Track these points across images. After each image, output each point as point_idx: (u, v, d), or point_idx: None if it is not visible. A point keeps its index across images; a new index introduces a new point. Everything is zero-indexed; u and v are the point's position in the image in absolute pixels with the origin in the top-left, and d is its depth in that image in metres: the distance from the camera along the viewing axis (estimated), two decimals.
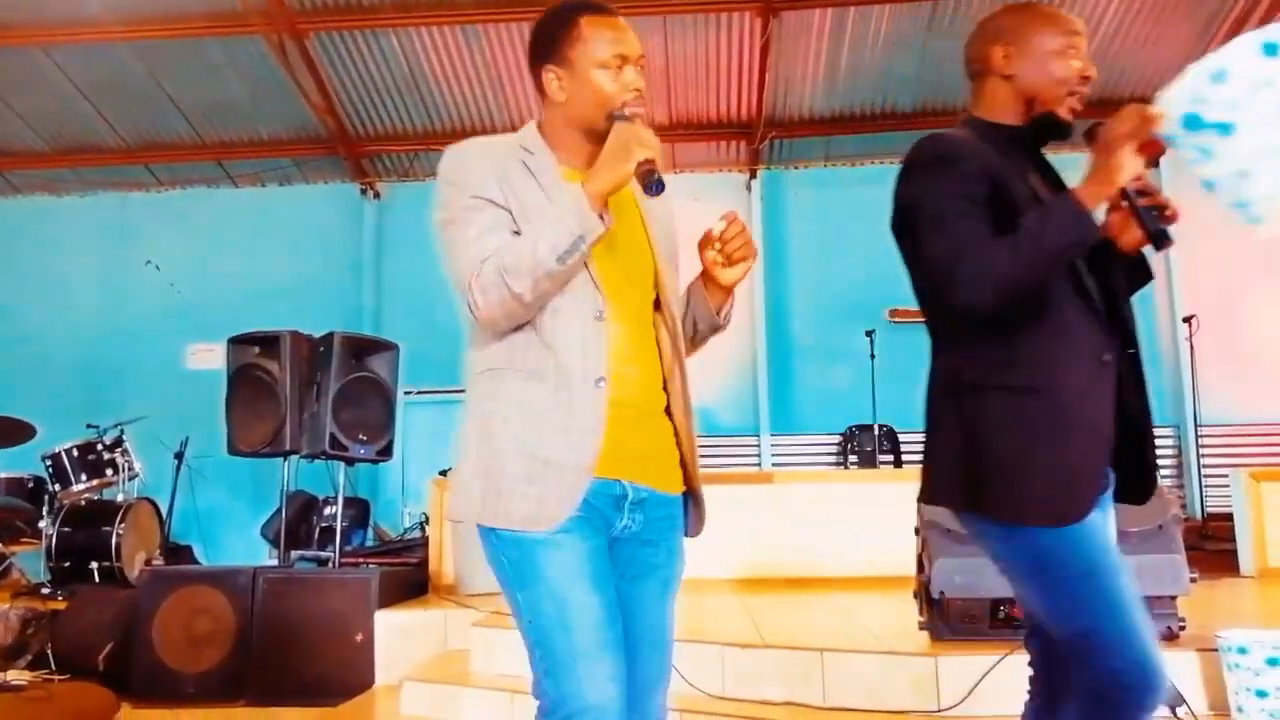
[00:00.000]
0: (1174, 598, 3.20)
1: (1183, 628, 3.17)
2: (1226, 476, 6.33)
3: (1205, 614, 3.35)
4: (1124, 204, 1.75)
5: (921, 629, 3.42)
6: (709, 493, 1.85)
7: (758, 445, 9.08)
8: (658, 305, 1.82)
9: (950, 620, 3.34)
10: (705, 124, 9.20)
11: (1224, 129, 1.62)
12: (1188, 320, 8.51)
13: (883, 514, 4.73)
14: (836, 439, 8.90)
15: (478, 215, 1.71)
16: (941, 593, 3.31)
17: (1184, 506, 8.18)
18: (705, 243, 1.83)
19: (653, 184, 1.67)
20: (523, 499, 1.66)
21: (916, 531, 3.48)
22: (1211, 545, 6.17)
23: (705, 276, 1.88)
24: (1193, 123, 1.64)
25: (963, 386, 1.83)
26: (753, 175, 9.49)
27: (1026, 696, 1.96)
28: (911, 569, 3.55)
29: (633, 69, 1.77)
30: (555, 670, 1.63)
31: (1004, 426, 1.76)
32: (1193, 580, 3.25)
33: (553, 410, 1.68)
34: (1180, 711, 2.80)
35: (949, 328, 1.87)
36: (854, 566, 5.32)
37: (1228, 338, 8.66)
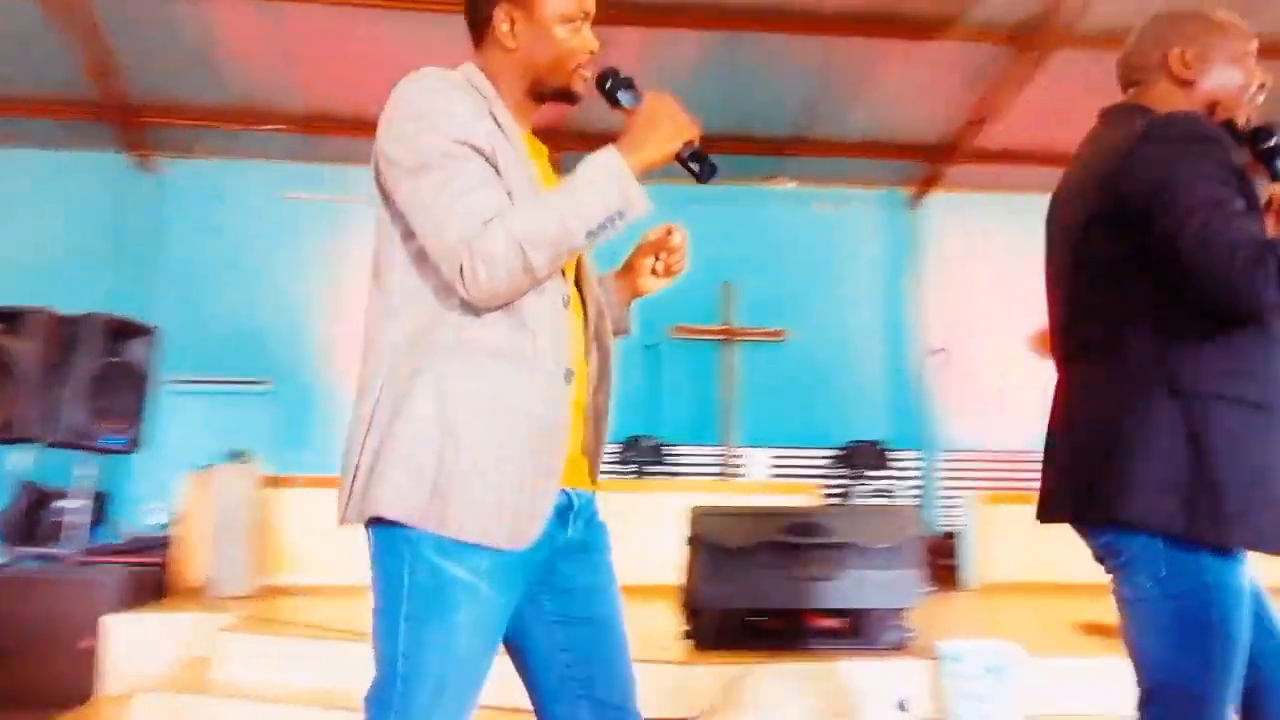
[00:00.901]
0: (905, 609, 3.47)
1: (912, 638, 3.45)
2: (961, 498, 6.93)
3: (932, 625, 3.64)
4: None
5: (685, 638, 3.55)
6: None
7: None
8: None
9: (711, 630, 3.49)
10: None
11: None
12: (937, 352, 9.25)
13: (641, 524, 4.86)
14: (617, 448, 9.09)
15: (466, 165, 1.46)
16: (705, 603, 3.45)
17: (923, 525, 8.84)
18: (648, 247, 1.74)
19: (706, 167, 1.52)
20: (487, 508, 1.44)
21: (690, 542, 3.61)
22: (944, 561, 6.71)
23: (624, 279, 1.78)
24: None
25: (1185, 394, 1.62)
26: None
27: None
28: (669, 578, 3.68)
29: (589, 28, 1.61)
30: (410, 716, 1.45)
31: (1243, 444, 1.60)
32: (925, 594, 3.55)
33: (528, 401, 1.48)
34: (908, 716, 3.05)
35: (1179, 325, 1.64)
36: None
37: (971, 371, 9.44)
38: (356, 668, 1.62)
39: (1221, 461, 1.59)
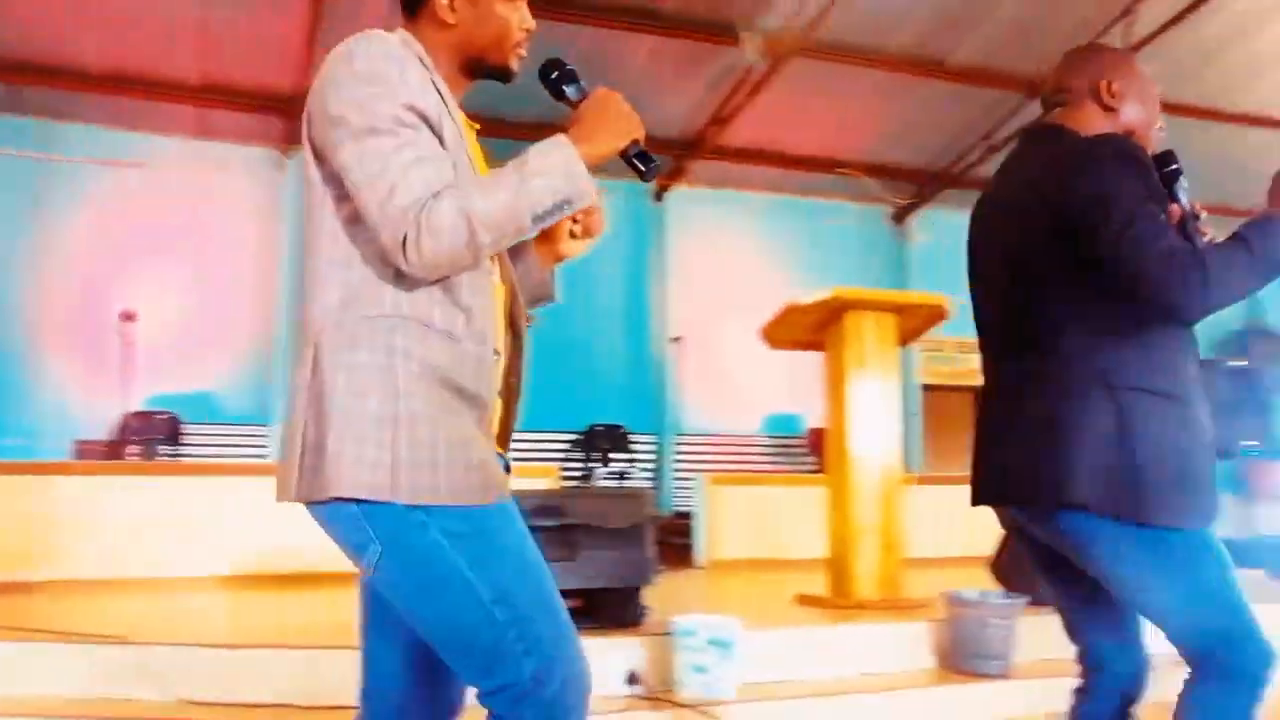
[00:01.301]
0: (640, 588, 3.59)
1: (646, 614, 3.57)
2: (693, 480, 7.25)
3: (666, 602, 3.79)
4: None
5: None
6: (212, 484, 1.73)
7: (266, 435, 8.68)
8: None
9: None
10: (240, 92, 8.62)
11: None
12: (675, 340, 9.61)
13: None
14: None
15: (414, 134, 1.43)
16: None
17: (657, 506, 9.18)
18: None
19: (651, 166, 1.54)
20: (468, 469, 1.43)
21: None
22: (678, 540, 6.99)
23: (544, 245, 1.75)
24: None
25: (1115, 387, 1.79)
26: (286, 154, 9.05)
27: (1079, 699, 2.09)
28: None
29: (525, 7, 1.60)
30: (542, 644, 1.43)
31: (1162, 432, 1.77)
32: (658, 572, 3.68)
33: (460, 378, 1.46)
34: (637, 689, 3.15)
35: (1108, 326, 1.81)
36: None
37: (706, 359, 9.86)
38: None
39: (1145, 448, 1.77)
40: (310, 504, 1.43)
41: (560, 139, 1.48)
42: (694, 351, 9.73)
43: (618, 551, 3.45)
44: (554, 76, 1.58)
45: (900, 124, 9.99)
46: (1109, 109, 1.98)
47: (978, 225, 2.13)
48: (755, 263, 10.31)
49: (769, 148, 9.89)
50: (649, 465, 9.69)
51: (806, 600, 4.25)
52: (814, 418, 8.99)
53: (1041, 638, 3.84)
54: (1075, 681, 2.17)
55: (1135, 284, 1.73)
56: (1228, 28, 9.48)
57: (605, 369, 9.57)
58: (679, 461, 9.62)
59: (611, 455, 9.32)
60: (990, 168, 10.36)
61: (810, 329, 4.34)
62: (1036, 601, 3.82)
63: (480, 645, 1.43)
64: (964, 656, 3.56)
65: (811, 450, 9.80)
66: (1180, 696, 1.86)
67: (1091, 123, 1.96)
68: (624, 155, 1.54)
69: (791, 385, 9.69)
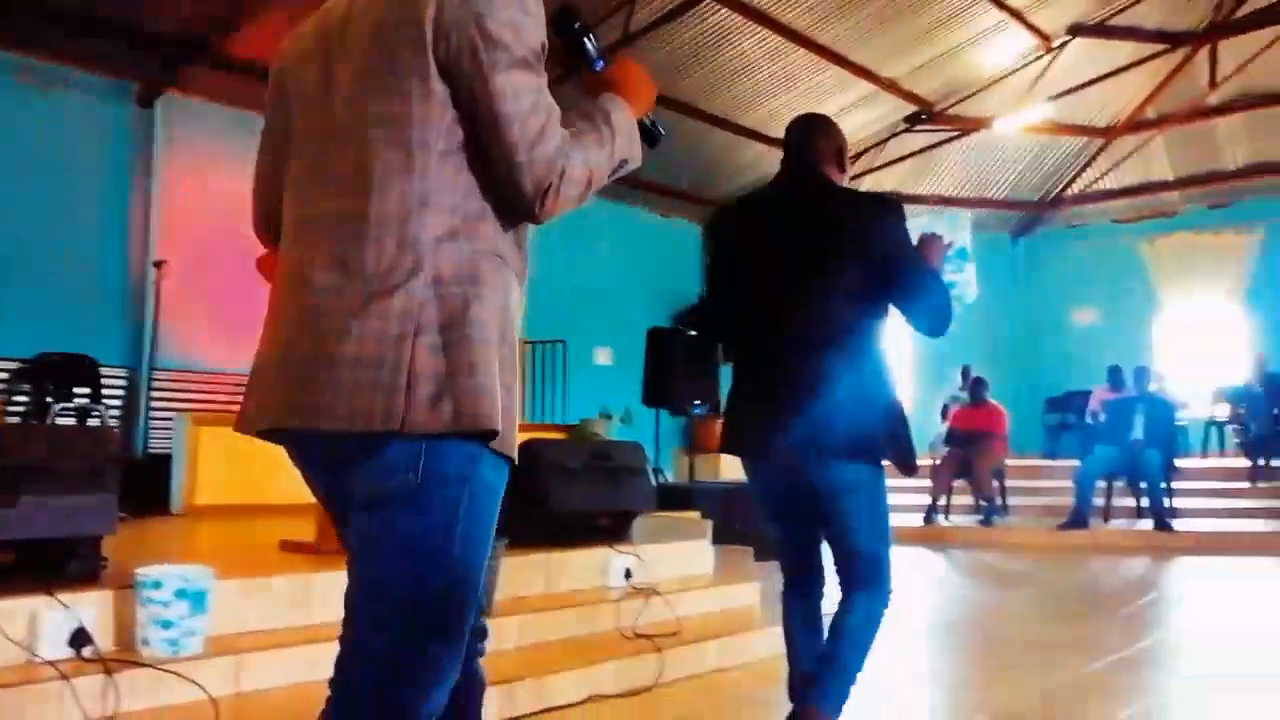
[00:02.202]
0: (100, 538, 3.22)
1: (104, 567, 3.22)
2: (173, 420, 6.65)
3: (132, 552, 3.45)
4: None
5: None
6: None
7: None
8: None
9: None
10: None
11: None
12: (158, 265, 8.70)
13: None
14: None
15: (542, 81, 1.38)
16: None
17: (129, 447, 8.32)
18: None
19: (659, 133, 1.64)
20: (508, 419, 1.39)
21: None
22: (151, 485, 6.39)
23: None
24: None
25: (883, 375, 2.63)
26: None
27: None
28: None
29: None
30: (445, 641, 1.38)
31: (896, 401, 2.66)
32: (121, 519, 3.33)
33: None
34: (86, 651, 2.83)
35: (871, 328, 2.62)
36: None
37: (194, 288, 9.07)
38: None
39: (890, 414, 2.63)
40: (414, 436, 1.31)
41: (619, 101, 1.50)
42: (181, 279, 8.90)
43: (71, 497, 3.05)
44: (576, 26, 1.55)
45: None
46: (843, 169, 2.79)
47: (782, 230, 2.68)
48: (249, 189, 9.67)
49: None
50: (120, 401, 8.73)
51: (291, 547, 4.11)
52: None
53: (519, 576, 4.11)
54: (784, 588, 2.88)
55: (923, 304, 2.63)
56: (705, 35, 10.66)
57: (67, 289, 8.40)
58: (157, 399, 8.77)
59: (75, 390, 8.23)
60: None
61: None
62: (514, 543, 4.06)
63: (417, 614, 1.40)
64: None
65: None
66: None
67: (835, 177, 2.76)
68: (640, 122, 1.57)
69: None
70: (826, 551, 2.75)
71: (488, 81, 1.35)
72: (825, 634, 2.69)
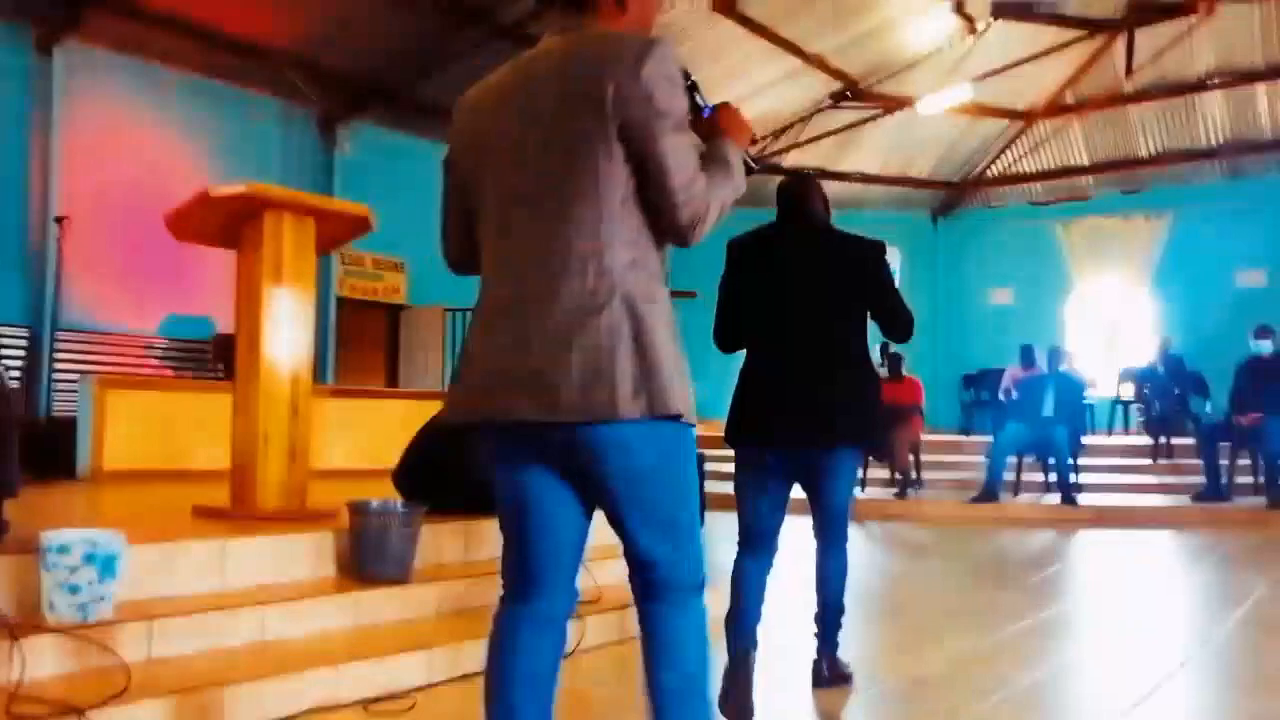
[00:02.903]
0: (1, 501, 3.11)
1: (6, 531, 3.11)
2: (78, 382, 6.43)
3: (35, 517, 3.34)
4: None
5: None
6: None
7: None
8: None
9: None
10: None
11: None
12: (60, 221, 8.37)
13: None
14: None
15: (691, 137, 1.81)
16: None
17: (31, 410, 8.03)
18: None
19: (752, 168, 1.95)
20: (685, 397, 1.79)
21: None
22: (55, 448, 6.18)
23: None
24: None
25: (873, 374, 3.31)
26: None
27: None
28: None
29: None
30: (697, 547, 1.87)
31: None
32: (22, 483, 3.22)
33: None
34: None
35: (863, 341, 3.25)
36: None
37: (99, 246, 8.76)
38: None
39: (876, 406, 3.33)
40: (629, 420, 1.70)
41: (733, 145, 1.92)
42: (85, 237, 8.58)
43: None
44: (689, 83, 1.86)
45: (336, 25, 9.66)
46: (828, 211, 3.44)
47: (781, 253, 3.30)
48: (165, 146, 9.37)
49: (190, 18, 8.96)
50: (20, 363, 8.40)
51: (204, 512, 4.02)
52: (224, 323, 8.45)
53: (438, 543, 4.08)
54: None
55: (903, 324, 3.29)
56: None
57: None
58: (61, 360, 8.46)
59: None
60: (427, 89, 10.56)
61: (224, 224, 4.04)
62: (435, 510, 4.02)
63: (683, 527, 1.85)
64: (365, 563, 3.63)
65: (217, 357, 9.24)
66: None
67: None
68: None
69: (199, 285, 9.04)
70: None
71: (657, 143, 1.73)
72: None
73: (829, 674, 3.33)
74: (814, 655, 3.32)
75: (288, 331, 4.01)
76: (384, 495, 3.98)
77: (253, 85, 10.02)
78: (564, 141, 1.75)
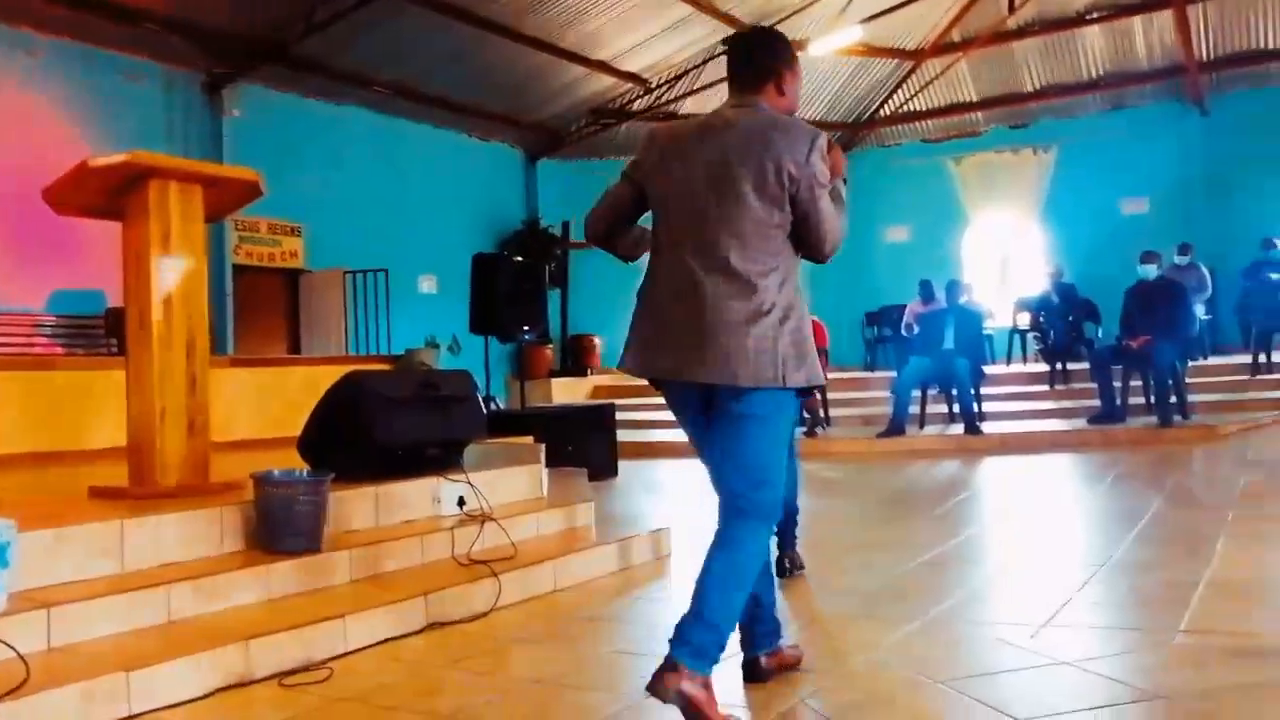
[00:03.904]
0: None
1: None
2: None
3: None
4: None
5: None
6: None
7: None
8: None
9: None
10: None
11: None
12: None
13: None
14: None
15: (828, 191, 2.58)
16: None
17: None
18: None
19: (842, 190, 2.68)
20: (817, 372, 2.56)
21: None
22: None
23: None
24: None
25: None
26: None
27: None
28: None
29: None
30: (778, 480, 2.56)
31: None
32: None
33: None
34: None
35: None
36: None
37: None
38: None
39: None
40: (767, 388, 2.44)
41: (841, 183, 2.65)
42: None
43: None
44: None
45: None
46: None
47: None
48: (40, 116, 8.91)
49: None
50: None
51: (101, 492, 3.88)
52: (116, 296, 8.12)
53: (347, 510, 4.01)
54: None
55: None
56: None
57: None
58: None
59: None
60: (312, 47, 10.21)
61: (106, 196, 3.87)
62: (343, 476, 3.96)
63: (770, 467, 2.53)
64: (274, 536, 3.56)
65: (110, 331, 8.89)
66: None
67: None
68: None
69: (87, 257, 8.67)
70: None
71: (816, 206, 2.51)
72: None
73: (791, 567, 4.09)
74: (776, 554, 3.87)
75: (180, 303, 3.87)
76: (291, 465, 3.90)
77: (131, 49, 9.57)
78: (742, 191, 2.48)
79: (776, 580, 3.18)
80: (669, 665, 2.29)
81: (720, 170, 2.49)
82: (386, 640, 3.32)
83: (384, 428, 4.27)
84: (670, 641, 2.34)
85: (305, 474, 3.75)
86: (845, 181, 2.69)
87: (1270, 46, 13.10)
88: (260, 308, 11.21)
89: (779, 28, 12.98)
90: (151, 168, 3.81)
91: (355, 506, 4.07)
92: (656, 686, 2.30)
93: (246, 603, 3.32)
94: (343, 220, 11.38)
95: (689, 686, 2.26)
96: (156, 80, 10.02)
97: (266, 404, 6.79)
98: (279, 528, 3.55)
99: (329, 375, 4.59)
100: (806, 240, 2.53)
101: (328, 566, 3.63)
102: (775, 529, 3.39)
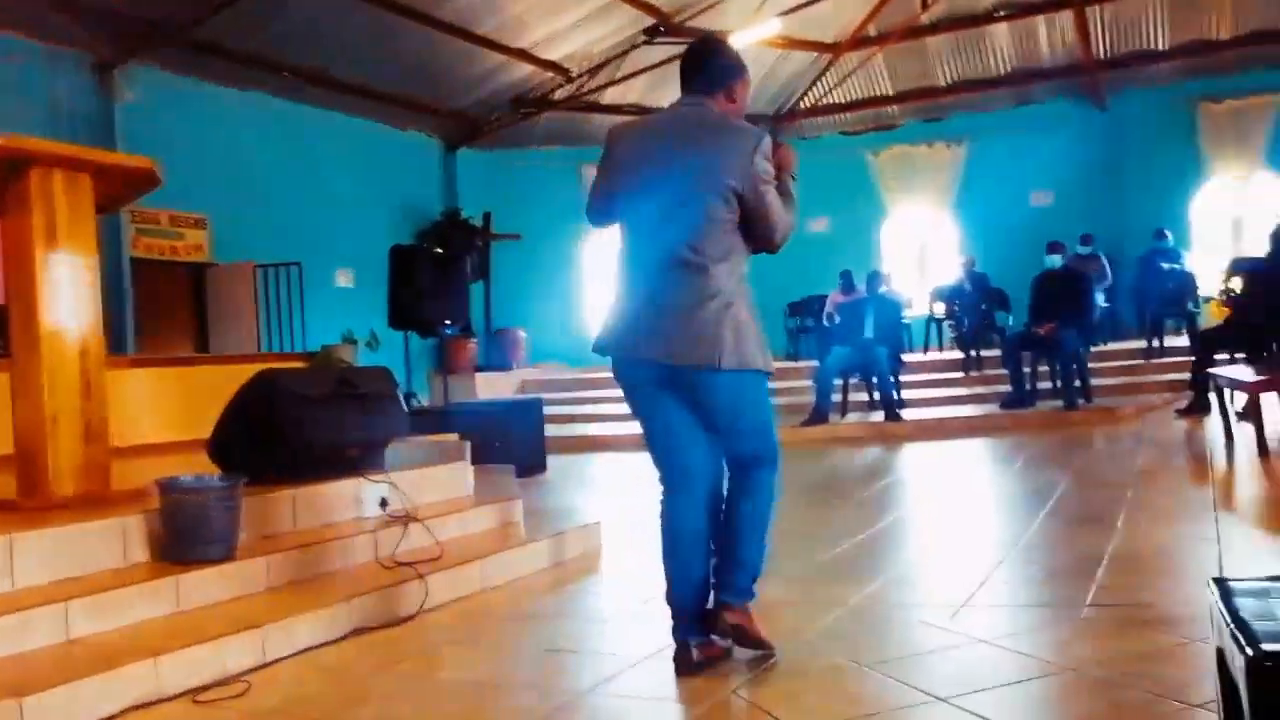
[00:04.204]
0: None
1: None
2: None
3: None
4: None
5: None
6: None
7: None
8: None
9: None
10: None
11: None
12: None
13: None
14: None
15: (775, 185, 2.84)
16: None
17: None
18: None
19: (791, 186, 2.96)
20: (764, 355, 2.84)
21: None
22: None
23: None
24: None
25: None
26: None
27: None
28: None
29: None
30: (774, 434, 2.95)
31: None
32: None
33: None
34: None
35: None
36: None
37: None
38: None
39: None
40: (727, 370, 2.71)
41: (789, 178, 2.92)
42: None
43: None
44: (778, 136, 3.27)
45: None
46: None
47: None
48: None
49: None
50: None
51: None
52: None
53: (263, 514, 3.84)
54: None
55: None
56: None
57: None
58: None
59: None
60: (216, 28, 9.83)
61: None
62: (258, 479, 3.79)
63: (766, 432, 2.91)
64: (184, 546, 3.38)
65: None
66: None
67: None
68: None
69: None
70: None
71: (763, 199, 2.76)
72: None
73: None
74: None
75: (69, 300, 3.63)
76: (201, 469, 3.72)
77: (10, 28, 9.06)
78: (695, 188, 2.72)
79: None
80: (721, 606, 2.82)
81: (676, 168, 2.74)
82: (308, 649, 3.18)
83: (300, 428, 4.11)
84: (713, 588, 2.84)
85: (216, 478, 3.57)
86: (794, 178, 2.92)
87: (1161, 48, 13.54)
88: (163, 304, 10.78)
89: (700, 17, 12.98)
90: (32, 154, 3.57)
91: (271, 511, 3.90)
92: (715, 626, 2.83)
93: (155, 617, 3.14)
94: (251, 212, 10.99)
95: (738, 618, 2.81)
96: (37, 61, 9.46)
97: (172, 406, 6.50)
98: (189, 536, 3.38)
99: (240, 374, 4.40)
100: (755, 232, 2.79)
101: (243, 575, 3.47)
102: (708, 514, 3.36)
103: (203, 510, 3.38)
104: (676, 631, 2.82)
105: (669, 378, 2.76)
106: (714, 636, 2.84)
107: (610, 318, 2.86)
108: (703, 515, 2.86)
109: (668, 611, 2.87)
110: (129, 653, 2.79)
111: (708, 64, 2.88)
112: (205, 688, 2.82)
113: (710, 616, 2.82)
